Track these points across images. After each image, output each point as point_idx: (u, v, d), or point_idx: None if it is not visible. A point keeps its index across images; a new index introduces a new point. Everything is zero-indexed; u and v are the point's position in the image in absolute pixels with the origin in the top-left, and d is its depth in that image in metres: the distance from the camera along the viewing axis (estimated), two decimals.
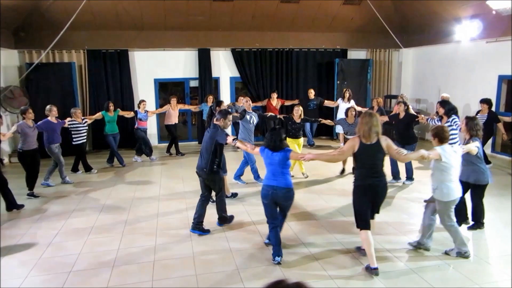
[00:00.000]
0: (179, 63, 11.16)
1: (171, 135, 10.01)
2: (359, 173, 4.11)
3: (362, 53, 12.25)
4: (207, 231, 5.17)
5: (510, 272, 4.12)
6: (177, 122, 10.04)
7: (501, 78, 9.07)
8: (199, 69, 11.11)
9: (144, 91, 10.96)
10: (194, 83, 11.67)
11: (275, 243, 4.39)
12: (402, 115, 7.04)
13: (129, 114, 9.50)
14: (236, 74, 11.55)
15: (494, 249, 4.74)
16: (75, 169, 8.41)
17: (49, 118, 7.39)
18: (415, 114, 7.23)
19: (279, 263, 4.29)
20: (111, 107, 8.81)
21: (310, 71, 11.96)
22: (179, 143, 10.18)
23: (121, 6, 9.56)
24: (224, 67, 11.51)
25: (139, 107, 9.31)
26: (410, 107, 7.54)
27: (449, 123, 6.12)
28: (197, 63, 11.12)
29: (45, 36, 9.29)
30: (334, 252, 4.66)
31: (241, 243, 4.91)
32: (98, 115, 8.78)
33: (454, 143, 5.95)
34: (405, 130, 7.00)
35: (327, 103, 10.92)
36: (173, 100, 9.81)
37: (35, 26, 9.55)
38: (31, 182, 6.90)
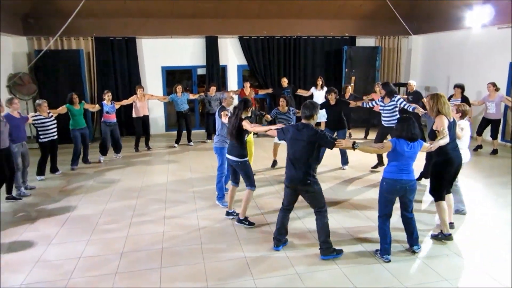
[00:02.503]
0: (187, 51, 11.13)
1: (139, 129, 9.16)
2: (445, 148, 4.40)
3: (371, 40, 12.12)
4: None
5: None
6: (146, 114, 9.23)
7: None
8: (206, 57, 11.08)
9: (151, 78, 10.98)
10: (201, 71, 11.65)
11: (390, 240, 4.18)
12: (333, 102, 7.22)
13: (94, 108, 8.51)
14: (243, 62, 11.50)
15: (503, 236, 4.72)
16: (54, 170, 7.47)
17: (9, 111, 6.30)
18: (347, 100, 7.75)
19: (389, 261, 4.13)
20: (76, 100, 7.78)
21: (318, 59, 11.87)
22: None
23: None
24: (231, 55, 11.46)
25: (103, 99, 8.37)
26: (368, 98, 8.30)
27: (394, 102, 6.75)
28: (204, 51, 11.09)
29: (53, 23, 9.31)
30: (341, 241, 4.68)
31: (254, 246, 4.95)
32: (62, 109, 7.62)
33: (387, 119, 6.85)
34: (337, 116, 7.25)
35: (300, 91, 10.79)
36: (140, 90, 9.02)
37: (44, 13, 9.57)
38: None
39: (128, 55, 10.66)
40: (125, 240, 4.70)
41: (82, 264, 4.17)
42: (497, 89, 8.31)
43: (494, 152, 8.47)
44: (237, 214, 5.13)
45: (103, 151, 8.38)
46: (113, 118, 8.34)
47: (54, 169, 7.48)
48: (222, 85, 11.42)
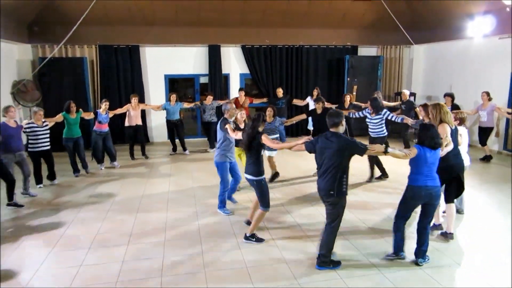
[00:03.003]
0: (189, 59, 11.21)
1: (132, 139, 9.06)
2: (446, 155, 4.48)
3: (373, 49, 12.18)
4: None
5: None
6: (139, 123, 9.02)
7: None
8: (209, 65, 11.15)
9: (154, 86, 11.05)
10: (204, 80, 11.71)
11: (402, 243, 4.28)
12: (319, 111, 7.33)
13: (89, 116, 8.26)
14: (246, 70, 11.57)
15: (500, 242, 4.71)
16: (51, 177, 7.24)
17: (5, 120, 6.19)
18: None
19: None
20: (73, 108, 7.60)
21: (320, 68, 11.93)
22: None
23: (133, 2, 9.64)
24: (234, 63, 11.54)
25: (100, 107, 8.23)
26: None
27: (380, 116, 6.96)
28: (207, 59, 11.16)
29: (58, 31, 9.42)
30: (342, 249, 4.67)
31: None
32: (58, 117, 7.46)
33: (383, 133, 7.06)
34: (322, 125, 7.14)
35: (296, 101, 10.79)
36: (134, 99, 8.83)
37: (48, 21, 9.68)
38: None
39: (132, 63, 10.74)
40: (126, 248, 4.70)
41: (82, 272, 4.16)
42: (490, 99, 8.48)
43: (486, 158, 8.60)
44: (259, 240, 4.77)
45: (98, 160, 8.28)
46: (105, 128, 8.12)
47: (51, 176, 7.23)
48: (224, 94, 11.48)
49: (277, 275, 4.04)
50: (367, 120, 7.21)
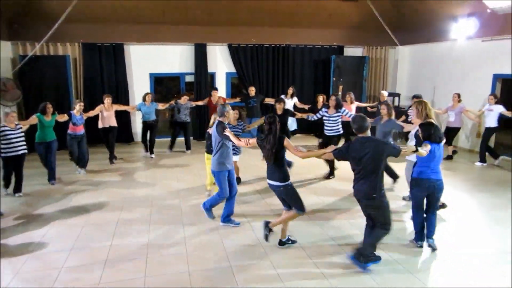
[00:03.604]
0: (175, 58, 11.09)
1: (107, 141, 8.64)
2: None
3: (359, 50, 12.25)
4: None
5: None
6: (113, 125, 8.56)
7: (496, 77, 9.11)
8: (195, 64, 11.06)
9: (139, 85, 10.89)
10: (190, 78, 11.60)
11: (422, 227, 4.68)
12: (280, 112, 7.35)
13: (62, 118, 7.45)
14: (232, 69, 11.51)
15: (489, 246, 4.77)
16: (16, 190, 6.55)
17: None
18: (292, 111, 8.18)
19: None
20: (49, 110, 7.05)
21: (306, 68, 11.96)
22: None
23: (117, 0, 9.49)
24: (220, 62, 11.46)
25: (73, 109, 7.67)
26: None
27: (339, 113, 7.19)
28: (193, 58, 11.06)
29: (39, 28, 9.19)
30: (325, 248, 4.67)
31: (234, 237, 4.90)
32: (33, 120, 6.94)
33: (339, 132, 7.28)
34: (281, 126, 7.10)
35: (268, 100, 10.57)
36: (107, 100, 8.42)
37: (29, 17, 9.43)
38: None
39: (116, 62, 10.56)
40: (109, 249, 4.61)
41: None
42: (459, 100, 8.76)
43: (449, 157, 8.88)
44: (293, 242, 4.73)
45: (78, 163, 7.82)
46: (80, 130, 7.64)
47: (16, 189, 6.52)
48: (210, 93, 11.38)
49: (264, 277, 4.02)
50: (325, 118, 7.29)
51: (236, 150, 6.38)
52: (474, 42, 9.52)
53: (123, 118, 10.50)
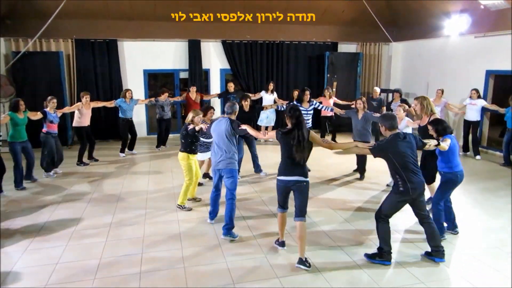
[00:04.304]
0: (169, 54, 11.06)
1: (83, 140, 8.23)
2: None
3: (352, 46, 12.29)
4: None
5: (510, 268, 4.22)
6: (88, 124, 8.25)
7: (488, 73, 9.18)
8: (189, 61, 11.04)
9: (133, 82, 10.85)
10: (184, 75, 11.59)
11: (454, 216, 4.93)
12: (246, 109, 7.25)
13: (35, 116, 7.05)
14: (226, 66, 11.50)
15: (483, 242, 4.84)
16: None
17: None
18: (259, 106, 8.76)
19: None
20: (22, 107, 6.68)
21: (300, 64, 11.97)
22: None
23: None
24: (214, 58, 11.45)
25: (47, 106, 7.25)
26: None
27: (313, 106, 7.35)
28: (187, 54, 11.04)
29: (32, 24, 9.13)
30: (319, 243, 4.71)
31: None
32: (5, 118, 6.62)
33: (310, 125, 7.21)
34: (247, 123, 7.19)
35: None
36: (86, 98, 8.11)
37: (22, 14, 9.37)
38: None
39: (109, 58, 10.52)
40: (104, 245, 4.62)
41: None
42: (442, 95, 9.04)
43: None
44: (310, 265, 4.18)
45: (49, 165, 7.43)
46: (56, 129, 7.36)
47: None
48: (204, 89, 11.40)
49: (259, 272, 4.05)
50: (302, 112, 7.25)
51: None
52: (466, 39, 9.59)
53: (110, 115, 10.25)
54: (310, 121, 7.32)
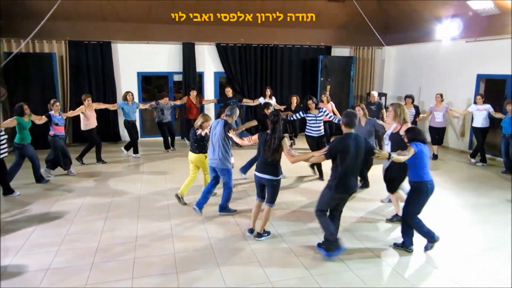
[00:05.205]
0: (163, 57, 11.05)
1: (92, 141, 8.38)
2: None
3: (346, 50, 12.37)
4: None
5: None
6: (96, 124, 8.37)
7: (479, 77, 9.30)
8: (183, 63, 11.03)
9: (126, 84, 10.80)
10: (178, 77, 11.58)
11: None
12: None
13: (40, 120, 7.18)
14: (220, 69, 11.52)
15: (470, 244, 4.89)
16: (6, 191, 6.41)
17: None
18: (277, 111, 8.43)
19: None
20: (27, 111, 6.79)
21: (294, 68, 12.03)
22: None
23: None
24: (208, 61, 11.46)
25: (51, 109, 7.34)
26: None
27: (322, 113, 7.22)
28: (181, 57, 11.04)
29: (25, 25, 9.08)
30: (311, 246, 4.73)
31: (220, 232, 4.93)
32: (12, 122, 6.61)
33: (320, 129, 7.23)
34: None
35: (246, 101, 10.76)
36: (88, 100, 8.12)
37: (15, 14, 9.30)
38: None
39: (103, 60, 10.48)
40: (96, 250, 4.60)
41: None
42: (442, 100, 8.86)
43: (434, 157, 8.95)
44: (268, 233, 4.91)
45: (54, 166, 7.51)
46: (63, 131, 7.51)
47: (6, 190, 6.37)
48: (198, 92, 11.38)
49: (249, 274, 4.05)
50: (310, 119, 7.20)
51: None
52: (458, 43, 9.71)
53: (110, 117, 10.47)
54: (322, 127, 7.26)
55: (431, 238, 4.51)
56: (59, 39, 10.02)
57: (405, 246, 4.58)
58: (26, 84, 9.49)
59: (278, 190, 4.70)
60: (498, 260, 4.36)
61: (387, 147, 5.38)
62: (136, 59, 10.81)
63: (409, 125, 4.93)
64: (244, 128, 7.46)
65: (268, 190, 4.69)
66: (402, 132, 4.83)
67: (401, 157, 4.25)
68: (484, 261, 4.36)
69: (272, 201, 4.70)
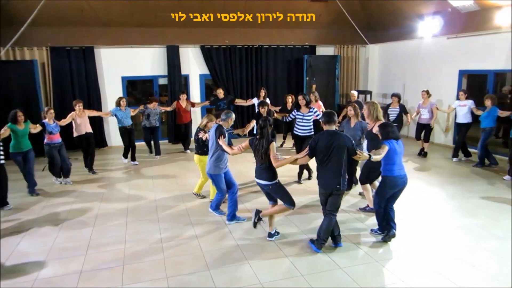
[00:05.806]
0: (147, 61, 10.96)
1: (84, 148, 8.17)
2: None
3: (330, 49, 12.45)
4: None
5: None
6: (89, 131, 8.10)
7: (461, 73, 9.45)
8: (168, 67, 10.97)
9: (111, 89, 10.69)
10: (163, 81, 11.50)
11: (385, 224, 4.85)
12: (265, 115, 7.37)
13: (36, 129, 7.07)
14: (205, 71, 11.49)
15: (460, 240, 4.95)
16: (2, 203, 6.22)
17: None
18: (273, 111, 8.38)
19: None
20: (21, 118, 6.66)
21: (279, 68, 12.07)
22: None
23: (86, 2, 9.31)
24: (193, 64, 11.42)
25: (45, 117, 7.25)
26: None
27: (312, 112, 7.05)
28: (165, 60, 10.97)
29: (4, 32, 8.93)
30: (302, 245, 4.75)
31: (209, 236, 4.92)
32: (5, 131, 6.41)
33: (306, 129, 7.03)
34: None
35: (239, 101, 10.65)
36: (78, 106, 7.92)
37: None
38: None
39: (86, 66, 10.33)
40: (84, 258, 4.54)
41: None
42: (429, 96, 8.86)
43: (423, 153, 9.07)
44: (278, 233, 4.96)
45: (56, 174, 7.47)
46: (57, 138, 7.29)
47: (2, 202, 6.20)
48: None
49: (240, 276, 4.05)
50: (298, 118, 7.09)
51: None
52: (439, 40, 9.84)
53: (96, 123, 10.35)
54: (309, 128, 7.02)
55: (386, 231, 4.77)
56: (40, 45, 9.85)
57: (388, 231, 4.78)
58: (7, 93, 9.24)
59: (283, 191, 4.66)
60: (487, 254, 4.43)
61: (364, 144, 5.71)
62: (120, 64, 10.69)
63: (382, 122, 5.13)
64: (247, 131, 7.25)
65: (273, 195, 4.74)
66: (375, 130, 5.04)
67: (378, 156, 4.45)
68: (473, 256, 4.41)
69: (288, 203, 4.63)
